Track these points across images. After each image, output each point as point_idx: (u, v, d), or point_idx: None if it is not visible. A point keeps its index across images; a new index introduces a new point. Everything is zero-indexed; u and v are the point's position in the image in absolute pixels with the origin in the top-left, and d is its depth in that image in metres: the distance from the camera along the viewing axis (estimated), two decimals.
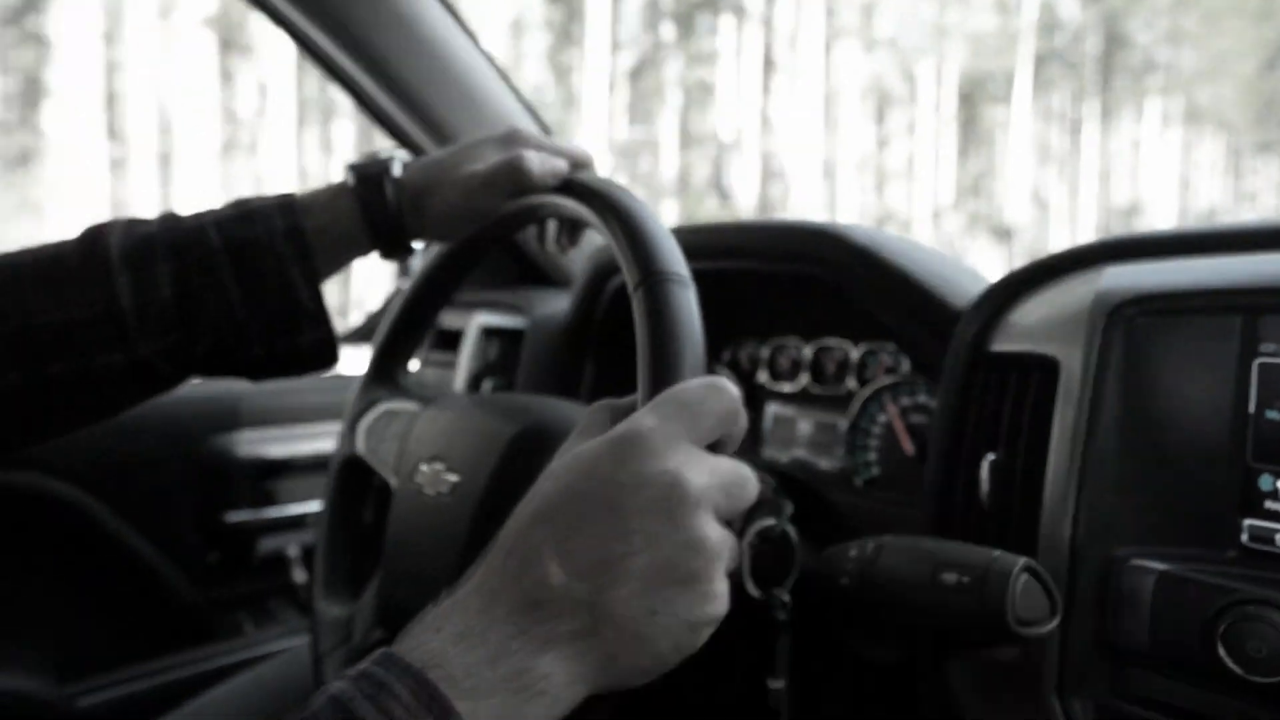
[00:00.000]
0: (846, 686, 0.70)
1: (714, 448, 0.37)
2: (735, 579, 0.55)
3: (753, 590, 0.62)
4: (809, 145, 17.59)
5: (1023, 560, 0.42)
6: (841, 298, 0.76)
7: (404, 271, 1.19)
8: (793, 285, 0.85)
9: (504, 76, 1.04)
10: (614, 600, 0.32)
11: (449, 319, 1.15)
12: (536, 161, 0.56)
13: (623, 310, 0.95)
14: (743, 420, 0.39)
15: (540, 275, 1.17)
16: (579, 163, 0.59)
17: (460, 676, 0.30)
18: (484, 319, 1.10)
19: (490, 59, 1.02)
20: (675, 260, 0.46)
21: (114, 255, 0.50)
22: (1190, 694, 0.43)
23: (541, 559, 0.33)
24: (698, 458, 0.35)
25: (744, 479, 0.37)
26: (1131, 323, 0.49)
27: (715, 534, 0.35)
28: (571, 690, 0.32)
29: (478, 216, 0.58)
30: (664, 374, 0.40)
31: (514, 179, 0.56)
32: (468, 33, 1.00)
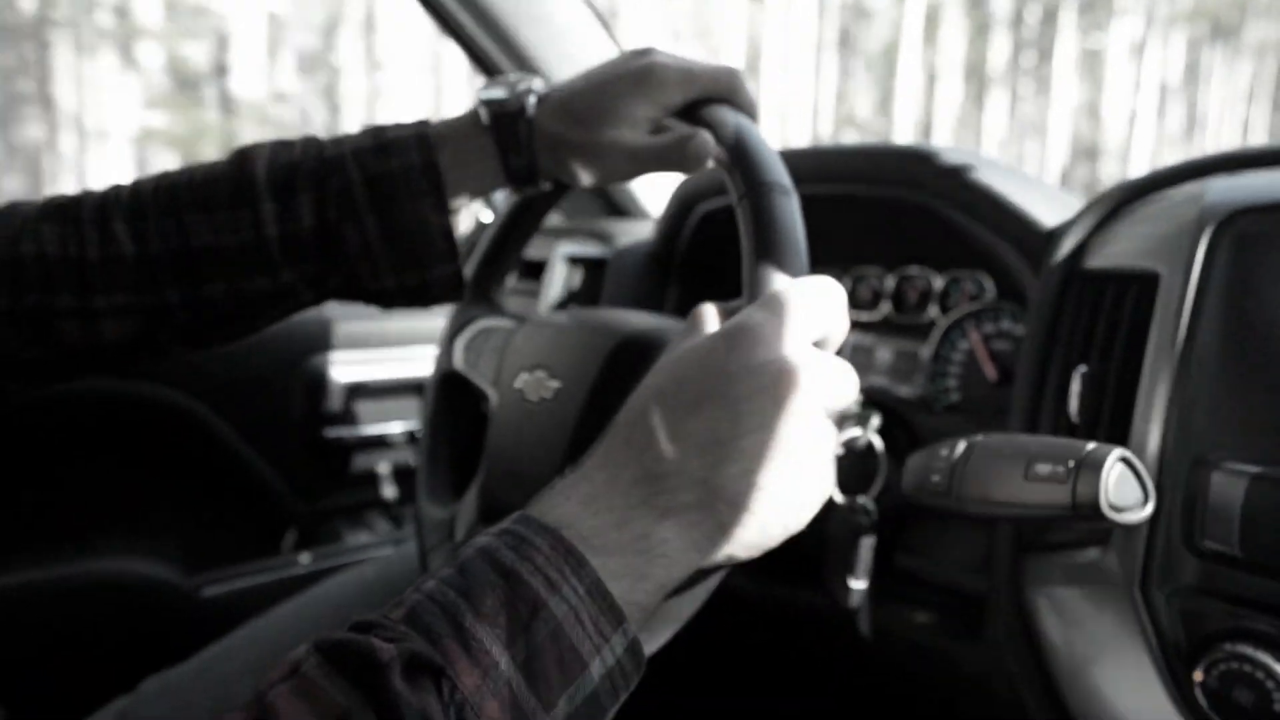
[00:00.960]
0: (921, 597, 0.72)
1: (817, 346, 0.40)
2: None
3: (839, 497, 0.65)
4: None
5: (1117, 450, 0.43)
6: (923, 225, 0.76)
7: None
8: (877, 213, 0.86)
9: (596, 12, 1.06)
10: (725, 477, 0.35)
11: (533, 249, 1.18)
12: (696, 148, 0.51)
13: (707, 236, 0.98)
14: (845, 321, 0.41)
15: (621, 208, 1.20)
16: (724, 85, 0.54)
17: (589, 535, 0.34)
18: (568, 248, 1.14)
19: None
20: (780, 172, 0.48)
21: (261, 182, 0.53)
22: (1275, 588, 0.45)
23: (660, 438, 0.36)
24: (805, 351, 0.38)
25: (848, 374, 0.39)
26: (1239, 234, 0.50)
27: (821, 421, 0.37)
28: (687, 556, 0.35)
29: (617, 176, 0.56)
30: (771, 274, 0.42)
31: (674, 157, 0.52)
32: None
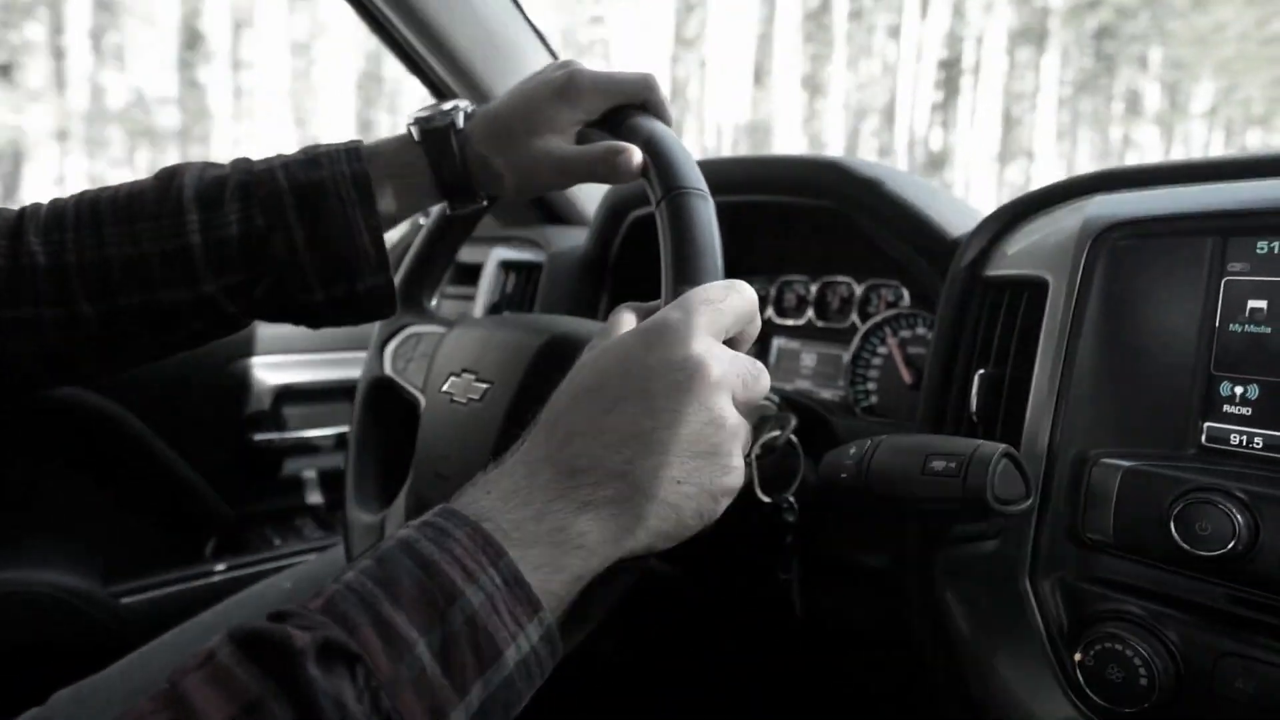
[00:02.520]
0: (842, 588, 0.76)
1: (731, 344, 0.42)
2: (746, 488, 0.60)
3: (762, 497, 0.67)
4: None
5: (1002, 447, 0.47)
6: (845, 236, 0.80)
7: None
8: (799, 224, 0.89)
9: (528, 20, 1.07)
10: (644, 470, 0.37)
11: (467, 254, 1.19)
12: (618, 158, 0.53)
13: (638, 243, 1.00)
14: (757, 320, 0.44)
15: (555, 214, 1.21)
16: (639, 92, 0.56)
17: (509, 529, 0.35)
18: (502, 253, 1.15)
19: (521, 10, 1.04)
20: (694, 176, 0.50)
21: (187, 194, 0.52)
22: (1146, 573, 0.49)
23: (579, 434, 0.38)
24: (719, 348, 0.40)
25: (758, 370, 0.41)
26: (1114, 246, 0.54)
27: (733, 415, 0.39)
28: (605, 548, 0.37)
29: (547, 185, 0.58)
30: (687, 275, 0.45)
31: (601, 169, 0.54)
32: None
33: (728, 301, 0.42)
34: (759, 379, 0.42)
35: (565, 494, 0.37)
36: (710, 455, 0.38)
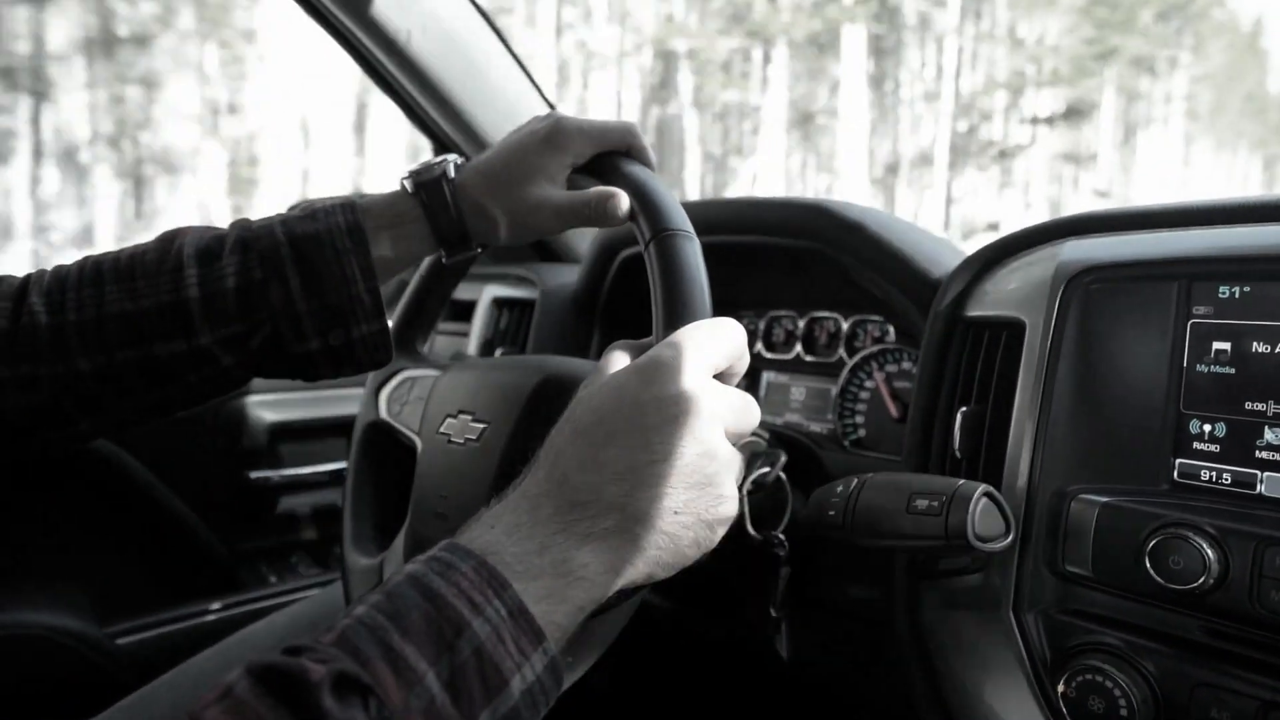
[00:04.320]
0: (832, 622, 0.77)
1: (721, 378, 0.44)
2: (737, 524, 0.62)
3: (753, 532, 0.69)
4: None
5: (982, 486, 0.49)
6: (832, 273, 0.82)
7: None
8: (787, 261, 0.92)
9: (527, 73, 1.10)
10: (641, 501, 0.39)
11: (461, 291, 1.21)
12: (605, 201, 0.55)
13: (629, 282, 1.03)
14: (746, 355, 0.46)
15: (548, 251, 1.24)
16: (622, 138, 0.59)
17: (513, 562, 0.37)
18: (495, 290, 1.17)
19: (519, 59, 1.07)
20: (682, 219, 0.53)
21: (187, 252, 0.54)
22: (1122, 605, 0.51)
23: (579, 468, 0.39)
24: (711, 383, 0.42)
25: (749, 404, 0.43)
26: (1086, 289, 0.56)
27: (726, 446, 0.41)
28: (607, 578, 0.38)
29: (540, 230, 0.59)
30: (677, 313, 0.47)
31: (592, 214, 0.56)
32: (498, 35, 1.05)
33: (717, 338, 0.44)
34: (749, 411, 0.43)
35: (567, 527, 0.38)
36: (705, 486, 0.40)
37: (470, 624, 0.34)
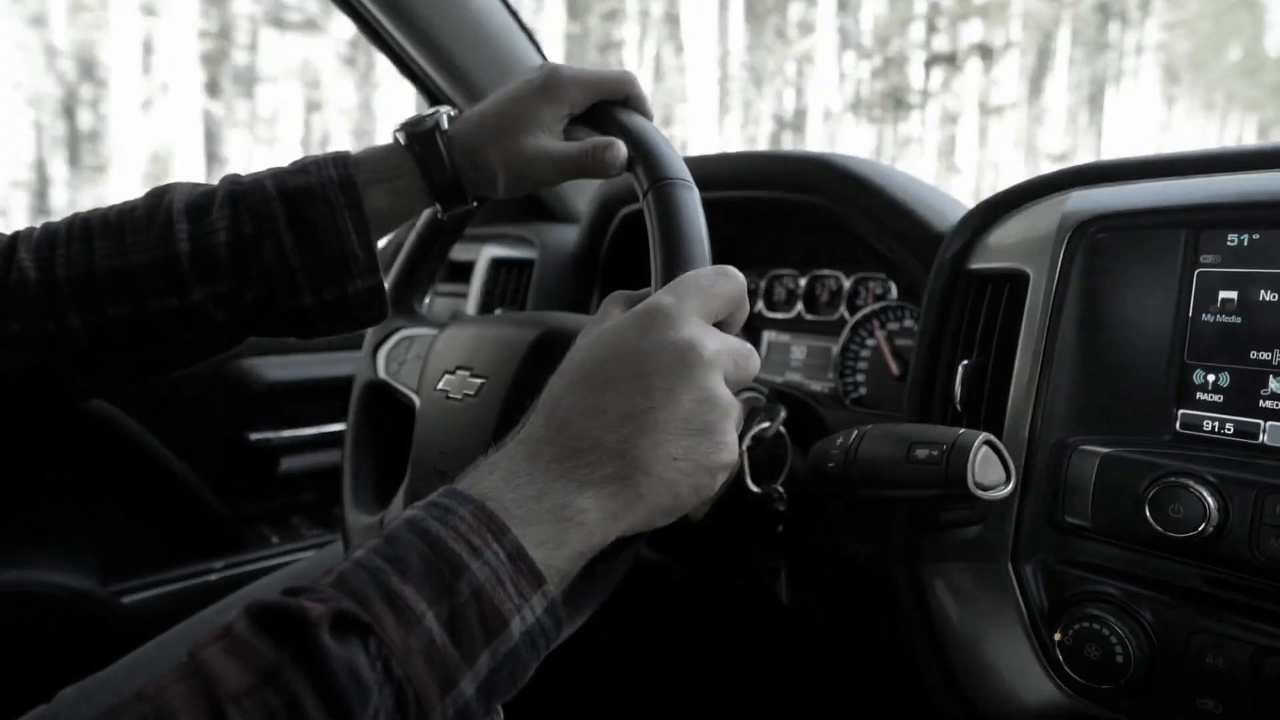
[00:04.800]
0: (829, 577, 0.77)
1: (721, 327, 0.43)
2: (737, 479, 0.62)
3: (753, 487, 0.69)
4: None
5: (982, 435, 0.48)
6: (834, 230, 0.81)
7: None
8: (788, 218, 0.91)
9: (522, 25, 1.08)
10: (641, 448, 0.38)
11: (459, 251, 1.20)
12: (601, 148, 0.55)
13: (630, 240, 1.02)
14: (746, 304, 0.45)
15: (547, 210, 1.22)
16: (620, 88, 0.58)
17: (511, 507, 0.37)
18: (494, 251, 1.16)
19: (513, 10, 1.05)
20: (681, 168, 0.52)
21: (177, 207, 0.53)
22: (1122, 556, 0.51)
23: (578, 415, 0.39)
24: (710, 330, 0.41)
25: (748, 351, 0.43)
26: (1092, 239, 0.55)
27: (726, 393, 0.41)
28: (605, 525, 0.38)
29: (538, 181, 0.58)
30: (676, 262, 0.46)
31: (589, 164, 0.55)
32: None
33: (717, 286, 0.43)
34: (749, 359, 0.43)
35: (566, 474, 0.38)
36: (705, 432, 0.40)
37: (469, 566, 0.34)
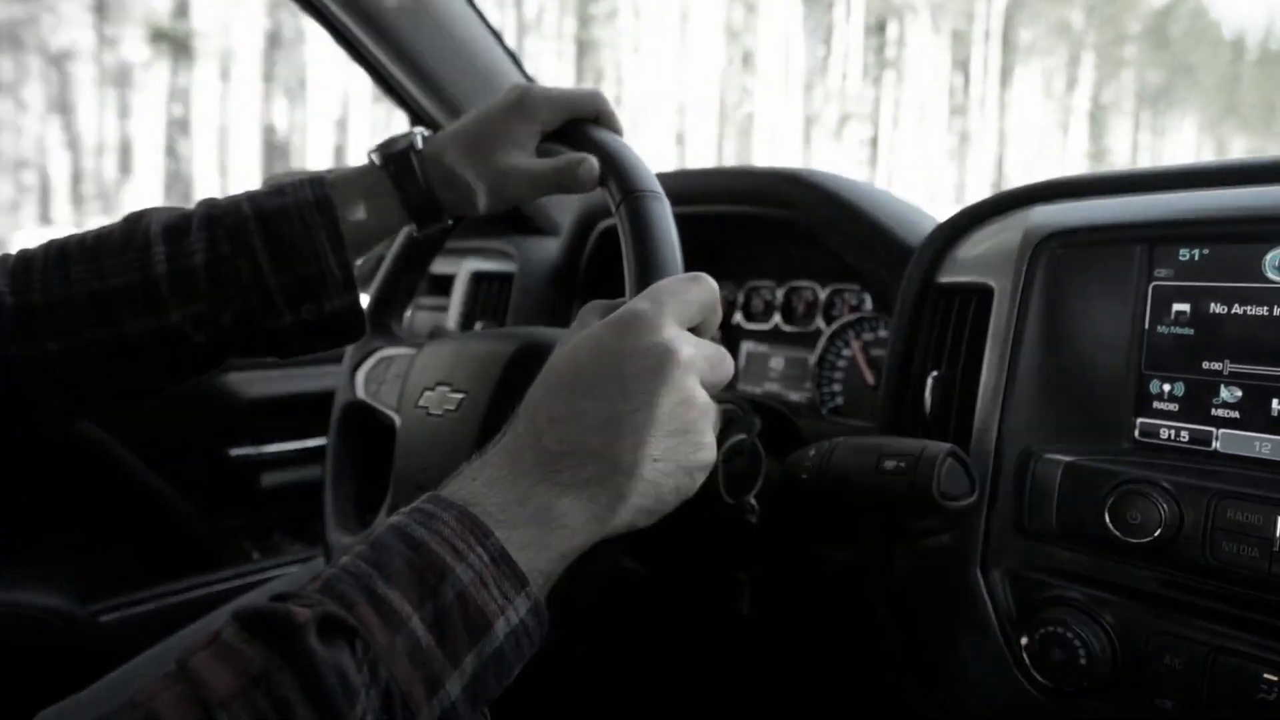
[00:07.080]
0: (805, 585, 0.79)
1: (695, 332, 0.45)
2: (711, 489, 0.63)
3: (726, 498, 0.70)
4: None
5: (947, 447, 0.50)
6: (810, 243, 0.83)
7: None
8: (764, 231, 0.92)
9: (505, 47, 1.09)
10: (621, 450, 0.39)
11: (440, 265, 1.20)
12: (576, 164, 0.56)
13: (608, 254, 1.03)
14: (719, 309, 0.46)
15: (527, 223, 1.23)
16: (590, 105, 0.60)
17: (495, 511, 0.37)
18: (474, 265, 1.16)
19: (495, 32, 1.06)
20: (651, 180, 0.53)
21: (154, 230, 0.53)
22: (1085, 561, 0.52)
23: (559, 420, 0.40)
24: (685, 334, 0.42)
25: (723, 355, 0.44)
26: (1053, 254, 0.57)
27: (702, 395, 0.42)
28: (589, 527, 0.39)
29: (514, 197, 0.59)
30: (650, 270, 0.47)
31: (564, 179, 0.57)
32: (473, 5, 1.04)
33: (691, 292, 0.44)
34: (723, 363, 0.44)
35: (547, 477, 0.39)
36: (683, 433, 0.41)
37: (453, 569, 0.35)
